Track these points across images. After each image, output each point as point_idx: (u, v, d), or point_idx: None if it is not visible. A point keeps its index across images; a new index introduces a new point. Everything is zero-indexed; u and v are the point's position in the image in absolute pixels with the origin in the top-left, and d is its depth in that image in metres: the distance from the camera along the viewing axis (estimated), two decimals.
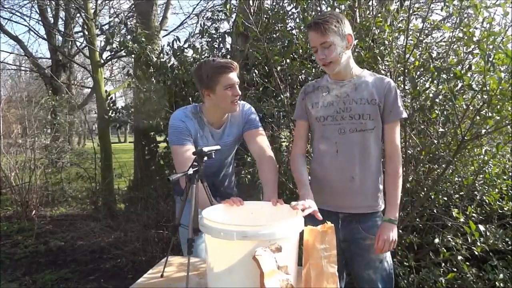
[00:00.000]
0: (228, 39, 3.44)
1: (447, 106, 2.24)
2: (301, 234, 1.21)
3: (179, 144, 1.68)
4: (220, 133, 1.79)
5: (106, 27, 6.20)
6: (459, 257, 2.14)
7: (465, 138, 2.12)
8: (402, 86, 2.34)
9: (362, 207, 1.58)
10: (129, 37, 3.58)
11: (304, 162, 1.65)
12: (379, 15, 2.44)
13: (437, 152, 2.31)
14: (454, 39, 2.27)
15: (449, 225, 2.26)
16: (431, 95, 2.18)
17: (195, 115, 1.74)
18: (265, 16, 2.96)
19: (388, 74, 2.41)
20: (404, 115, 1.60)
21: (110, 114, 4.27)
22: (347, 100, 1.58)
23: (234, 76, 1.66)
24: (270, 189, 1.57)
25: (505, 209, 2.20)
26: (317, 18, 1.57)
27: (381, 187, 1.63)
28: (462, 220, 2.08)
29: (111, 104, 4.37)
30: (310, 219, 1.30)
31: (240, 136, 1.83)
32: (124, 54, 4.47)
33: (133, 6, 6.14)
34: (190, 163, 1.34)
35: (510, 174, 2.29)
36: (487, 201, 2.22)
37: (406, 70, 2.32)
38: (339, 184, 1.57)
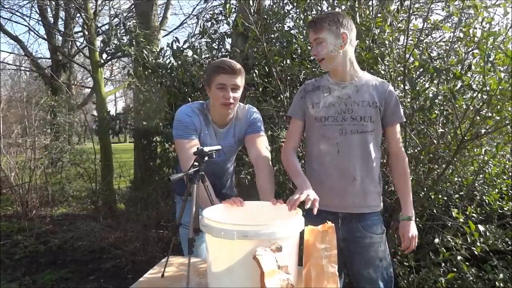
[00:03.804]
0: (228, 40, 3.43)
1: (446, 106, 2.24)
2: (302, 234, 1.21)
3: (185, 139, 1.66)
4: (224, 133, 1.78)
5: (106, 27, 6.19)
6: (459, 257, 2.14)
7: (465, 138, 2.13)
8: (402, 86, 2.35)
9: (361, 207, 1.59)
10: (127, 37, 3.56)
11: (296, 156, 1.66)
12: (379, 15, 2.44)
13: (437, 152, 2.31)
14: (455, 39, 2.27)
15: (449, 225, 2.26)
16: (430, 95, 2.18)
17: (201, 112, 1.74)
18: (265, 16, 2.96)
19: (388, 74, 2.41)
20: (404, 118, 1.69)
21: (108, 122, 4.23)
22: (348, 102, 1.59)
23: (228, 78, 1.64)
24: (266, 198, 1.55)
25: (505, 209, 2.20)
26: (315, 16, 1.60)
27: (380, 188, 1.64)
28: (462, 220, 2.08)
29: (108, 115, 4.33)
30: (310, 219, 1.30)
31: (243, 138, 1.82)
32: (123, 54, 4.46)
33: (133, 6, 6.13)
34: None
35: (510, 174, 2.29)
36: (487, 201, 2.22)
37: (406, 70, 2.32)
38: (340, 184, 1.57)
